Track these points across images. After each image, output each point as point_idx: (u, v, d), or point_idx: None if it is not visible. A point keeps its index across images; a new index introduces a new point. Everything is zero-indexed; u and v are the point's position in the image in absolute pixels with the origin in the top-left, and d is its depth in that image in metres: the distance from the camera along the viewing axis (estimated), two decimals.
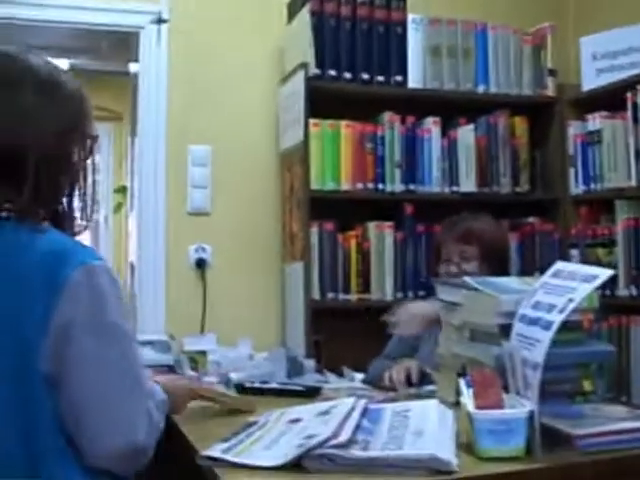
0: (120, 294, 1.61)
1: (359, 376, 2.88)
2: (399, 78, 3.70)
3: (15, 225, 1.58)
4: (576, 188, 3.80)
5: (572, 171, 3.82)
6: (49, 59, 1.71)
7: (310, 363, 3.02)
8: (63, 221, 1.70)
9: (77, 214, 1.75)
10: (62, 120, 1.66)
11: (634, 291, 3.37)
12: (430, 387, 2.53)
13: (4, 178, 1.59)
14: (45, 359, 1.49)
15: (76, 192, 1.74)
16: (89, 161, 1.76)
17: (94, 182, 1.77)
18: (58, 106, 1.66)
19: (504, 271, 2.87)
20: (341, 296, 3.59)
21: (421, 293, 3.60)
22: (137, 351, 1.62)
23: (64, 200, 1.71)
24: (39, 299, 1.50)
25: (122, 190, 7.70)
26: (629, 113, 3.43)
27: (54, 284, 1.51)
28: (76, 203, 1.74)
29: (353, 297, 3.61)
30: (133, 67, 4.17)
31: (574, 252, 3.72)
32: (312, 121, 3.56)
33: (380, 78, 3.67)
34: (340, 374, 2.99)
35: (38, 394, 1.50)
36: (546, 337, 1.69)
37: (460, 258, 2.98)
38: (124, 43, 4.39)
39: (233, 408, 2.33)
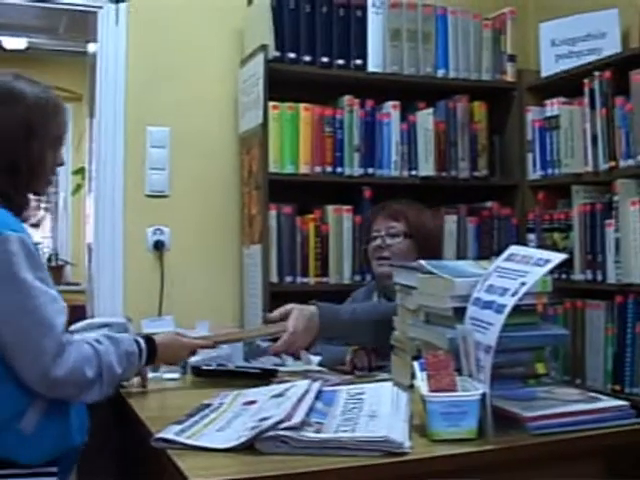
0: (34, 260, 1.94)
1: (315, 359, 2.87)
2: (359, 62, 3.69)
3: None
4: (534, 173, 3.83)
5: (530, 156, 3.85)
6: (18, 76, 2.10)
7: (267, 346, 3.02)
8: (10, 201, 2.03)
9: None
10: (15, 124, 2.03)
11: (589, 275, 3.40)
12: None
13: None
14: None
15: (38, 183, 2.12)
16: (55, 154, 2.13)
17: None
18: (12, 114, 2.04)
19: (434, 254, 2.89)
20: (299, 279, 3.60)
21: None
22: (47, 300, 1.92)
23: (14, 186, 2.04)
24: None
25: (81, 172, 7.63)
26: (586, 99, 3.46)
27: None
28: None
29: (311, 280, 3.63)
30: (91, 47, 4.13)
31: (531, 236, 3.75)
32: (271, 104, 3.55)
33: (340, 61, 3.67)
34: (297, 357, 2.99)
35: None
36: (498, 320, 1.70)
37: (386, 233, 3.03)
38: (82, 22, 4.34)
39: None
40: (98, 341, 2.03)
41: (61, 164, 2.20)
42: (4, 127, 2.03)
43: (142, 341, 2.24)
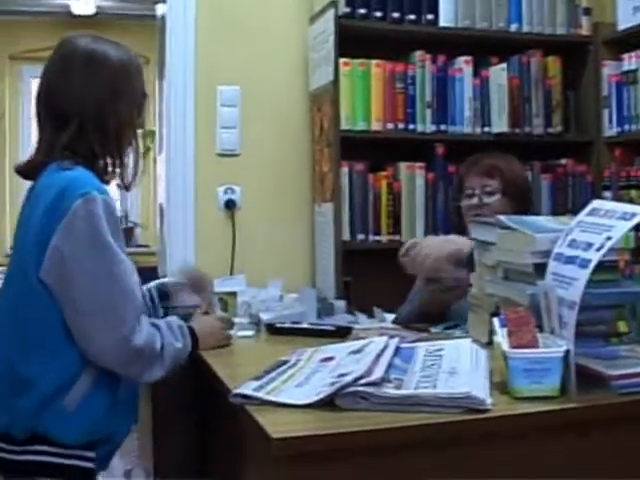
0: (116, 225, 1.95)
1: (390, 317, 2.86)
2: (430, 17, 3.63)
3: (55, 164, 1.98)
4: (610, 129, 3.75)
5: (606, 112, 3.76)
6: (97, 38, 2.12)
7: (340, 304, 3.01)
8: (95, 163, 2.05)
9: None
10: (101, 86, 2.04)
11: None
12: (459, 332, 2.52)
13: (58, 129, 2.02)
14: (47, 271, 1.88)
15: (124, 144, 2.12)
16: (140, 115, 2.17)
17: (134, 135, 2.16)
18: (98, 77, 2.04)
19: (526, 211, 2.83)
20: (371, 237, 3.58)
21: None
22: (128, 268, 1.94)
23: (105, 148, 2.06)
24: (47, 224, 1.89)
25: (150, 134, 7.68)
26: None
27: (58, 211, 1.88)
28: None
29: (383, 238, 3.60)
30: (160, 9, 4.13)
31: (607, 194, 3.68)
32: (342, 60, 3.51)
33: (411, 17, 3.60)
34: (370, 315, 2.98)
35: (31, 296, 1.90)
36: (583, 275, 1.66)
37: (482, 191, 2.95)
38: None
39: None
40: (154, 323, 2.04)
41: (141, 127, 2.22)
42: (91, 89, 2.03)
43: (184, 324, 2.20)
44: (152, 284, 2.48)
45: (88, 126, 2.01)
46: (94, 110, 2.02)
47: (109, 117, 2.04)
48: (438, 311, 2.76)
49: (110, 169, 2.09)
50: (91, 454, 1.93)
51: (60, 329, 1.90)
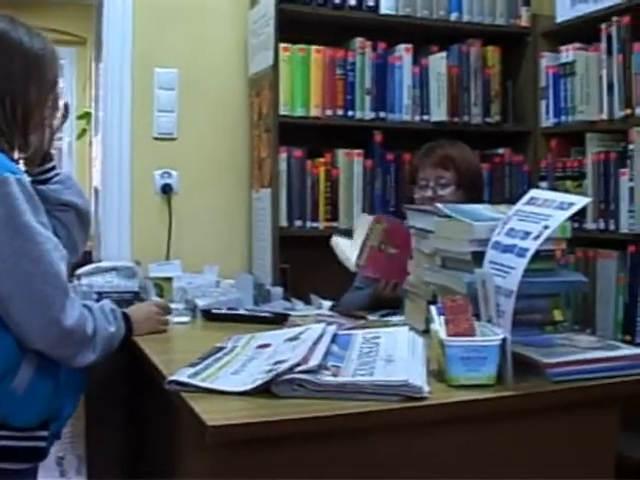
0: (34, 202, 1.89)
1: (327, 303, 2.86)
2: (371, 3, 3.62)
3: None
4: (547, 120, 3.77)
5: (543, 103, 3.78)
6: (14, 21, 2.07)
7: (277, 290, 3.00)
8: (4, 143, 1.99)
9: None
10: (11, 69, 2.00)
11: (602, 225, 3.35)
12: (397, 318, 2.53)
13: None
14: None
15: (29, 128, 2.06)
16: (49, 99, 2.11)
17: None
18: (8, 60, 2.00)
19: (477, 199, 2.85)
20: (309, 224, 3.57)
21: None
22: (50, 246, 1.88)
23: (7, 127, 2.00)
24: None
25: (85, 116, 7.59)
26: (603, 45, 3.38)
27: None
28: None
29: (321, 225, 3.59)
30: None
31: (543, 184, 3.70)
32: (282, 45, 3.49)
33: (352, 2, 3.59)
34: (307, 302, 2.98)
35: None
36: (520, 264, 1.66)
37: (436, 183, 2.95)
38: None
39: None
40: (86, 305, 1.99)
41: (57, 109, 2.18)
42: (1, 73, 2.00)
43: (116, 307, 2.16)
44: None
45: None
46: (2, 89, 1.99)
47: (15, 100, 2.01)
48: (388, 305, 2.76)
49: (16, 149, 2.06)
50: (44, 433, 1.93)
51: None
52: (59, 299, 1.86)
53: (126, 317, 2.17)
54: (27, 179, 1.95)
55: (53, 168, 2.24)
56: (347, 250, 2.76)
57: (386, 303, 2.74)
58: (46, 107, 2.12)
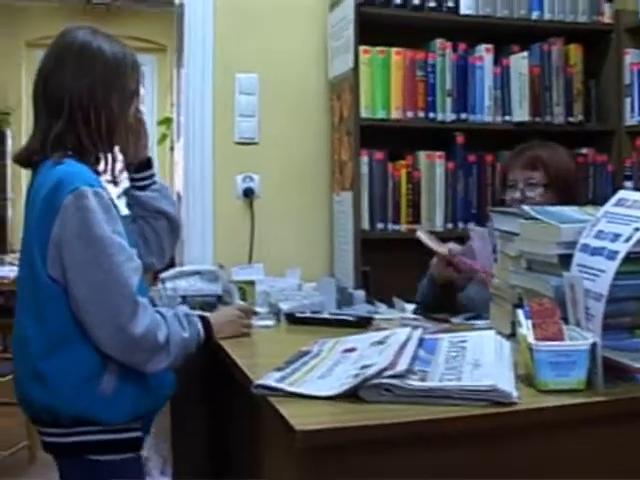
0: (110, 214, 1.97)
1: (410, 307, 2.84)
2: (451, 4, 3.60)
3: (50, 161, 2.01)
4: (632, 118, 3.71)
5: (628, 101, 3.73)
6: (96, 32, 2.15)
7: (360, 294, 3.00)
8: (83, 155, 2.06)
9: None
10: (93, 79, 2.06)
11: None
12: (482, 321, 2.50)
13: (51, 119, 2.06)
14: (52, 267, 1.94)
15: (114, 139, 2.15)
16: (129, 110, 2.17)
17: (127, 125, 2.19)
18: (90, 69, 2.07)
19: (572, 202, 2.79)
20: (391, 226, 3.56)
21: (471, 224, 3.56)
22: (123, 258, 1.95)
23: (93, 140, 2.08)
24: (44, 221, 1.94)
25: (166, 122, 7.70)
26: None
27: (53, 208, 1.93)
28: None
29: (403, 227, 3.58)
30: None
31: (628, 184, 3.65)
32: (362, 48, 3.49)
33: (431, 4, 3.58)
34: (390, 305, 2.97)
35: (47, 293, 1.95)
36: (611, 267, 1.63)
37: (525, 184, 2.90)
38: None
39: None
40: (162, 313, 2.05)
41: (140, 119, 2.25)
42: (82, 81, 2.06)
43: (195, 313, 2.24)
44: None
45: (78, 117, 2.05)
46: (84, 102, 2.06)
47: (99, 110, 2.07)
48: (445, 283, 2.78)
49: (102, 162, 2.14)
50: (136, 425, 2.03)
51: (78, 323, 1.95)
52: (128, 308, 1.93)
53: (205, 321, 2.21)
54: (106, 191, 2.02)
55: (152, 175, 2.33)
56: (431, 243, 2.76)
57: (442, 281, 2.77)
58: (129, 115, 2.17)
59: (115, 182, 2.19)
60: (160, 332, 1.99)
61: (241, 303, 2.73)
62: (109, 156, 2.16)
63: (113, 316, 1.91)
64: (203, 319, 2.21)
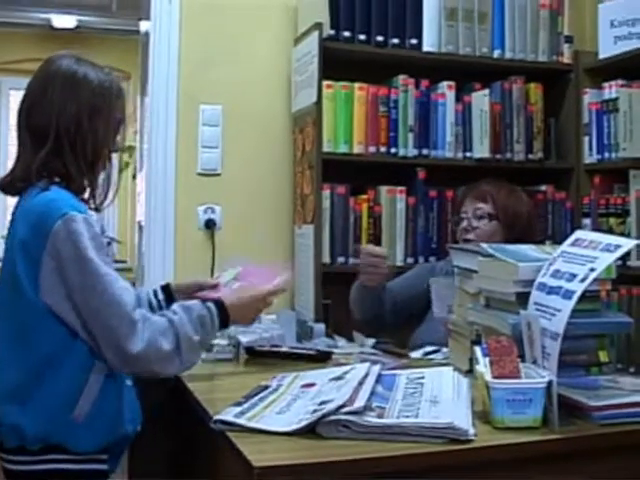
0: (98, 241, 1.97)
1: (370, 341, 2.86)
2: (414, 41, 3.63)
3: (35, 188, 2.02)
4: (590, 157, 3.76)
5: (586, 139, 3.78)
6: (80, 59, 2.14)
7: (320, 327, 3.01)
8: (72, 182, 2.07)
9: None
10: (79, 106, 2.06)
11: None
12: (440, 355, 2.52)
13: (36, 147, 2.05)
14: (48, 294, 1.93)
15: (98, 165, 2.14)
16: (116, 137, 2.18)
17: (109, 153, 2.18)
18: (76, 96, 2.07)
19: (522, 240, 2.83)
20: (351, 260, 3.56)
21: (432, 259, 3.59)
22: (111, 279, 1.94)
23: (77, 166, 2.07)
24: (32, 246, 1.93)
25: (128, 150, 7.66)
26: None
27: (42, 233, 1.92)
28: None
29: None
30: (144, 25, 4.13)
31: (586, 221, 3.69)
32: (325, 83, 3.50)
33: (395, 40, 3.60)
34: (350, 339, 2.98)
35: (35, 318, 1.94)
36: (567, 307, 1.67)
37: (473, 215, 3.01)
38: (135, 1, 4.35)
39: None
40: (174, 312, 2.04)
41: (117, 149, 2.22)
42: (68, 108, 2.05)
43: (212, 305, 2.13)
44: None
45: (64, 144, 2.04)
46: (71, 129, 2.05)
47: (85, 137, 2.07)
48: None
49: (86, 189, 2.12)
50: (104, 456, 2.00)
51: (63, 347, 1.95)
52: (125, 328, 1.91)
53: (221, 308, 2.14)
54: (93, 218, 2.02)
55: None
56: None
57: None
58: (113, 143, 2.17)
59: (97, 209, 2.17)
60: (165, 341, 1.95)
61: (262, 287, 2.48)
62: (92, 182, 2.13)
63: (111, 338, 1.91)
64: (220, 307, 2.14)
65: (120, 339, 1.90)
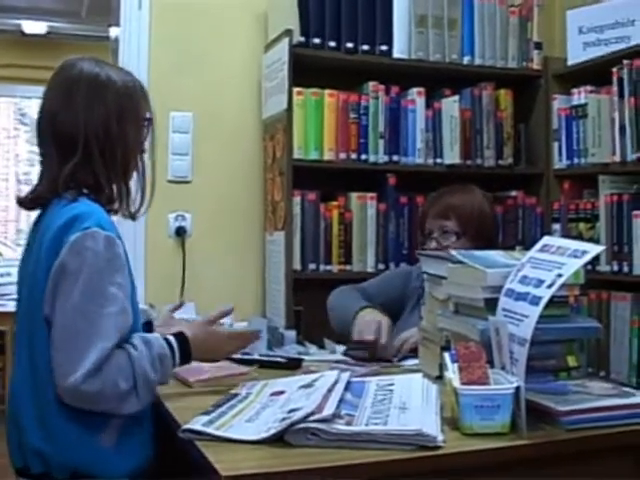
0: (115, 262, 1.84)
1: (340, 348, 2.85)
2: (384, 47, 3.65)
3: (61, 199, 1.93)
4: (559, 162, 3.78)
5: (556, 145, 3.80)
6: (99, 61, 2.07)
7: (291, 334, 3.00)
8: (99, 193, 1.97)
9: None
10: (107, 110, 1.97)
11: (615, 267, 3.35)
12: (411, 361, 2.52)
13: (64, 157, 1.95)
14: (46, 304, 1.82)
15: (130, 171, 2.06)
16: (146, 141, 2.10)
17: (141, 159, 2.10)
18: (103, 100, 1.98)
19: (490, 244, 2.85)
20: (322, 267, 3.57)
21: (403, 264, 3.59)
22: (113, 311, 1.81)
23: (110, 175, 1.99)
24: (48, 258, 1.83)
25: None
26: (615, 88, 3.39)
27: (59, 246, 1.82)
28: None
29: (334, 268, 3.60)
30: (113, 31, 4.12)
31: (556, 226, 3.71)
32: (296, 89, 3.52)
33: (365, 47, 3.62)
34: (321, 346, 2.97)
35: (40, 333, 1.84)
36: (534, 312, 1.67)
37: (439, 234, 2.98)
38: (105, 6, 4.34)
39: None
40: (134, 346, 1.85)
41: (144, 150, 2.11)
42: (96, 113, 1.96)
43: (174, 340, 1.99)
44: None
45: (94, 152, 1.95)
46: (100, 135, 1.96)
47: (115, 142, 1.98)
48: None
49: (116, 198, 2.02)
50: None
51: None
52: (91, 364, 1.75)
53: (185, 352, 2.01)
54: (120, 239, 1.90)
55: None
56: None
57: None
58: (142, 146, 2.09)
59: (132, 216, 2.09)
60: (122, 380, 1.80)
61: (236, 329, 2.54)
62: (123, 190, 2.03)
63: (74, 367, 1.73)
64: (182, 344, 2.00)
65: (80, 375, 1.74)
